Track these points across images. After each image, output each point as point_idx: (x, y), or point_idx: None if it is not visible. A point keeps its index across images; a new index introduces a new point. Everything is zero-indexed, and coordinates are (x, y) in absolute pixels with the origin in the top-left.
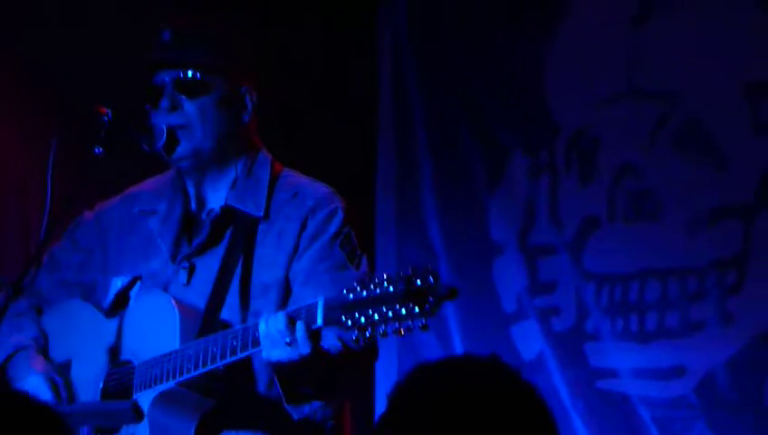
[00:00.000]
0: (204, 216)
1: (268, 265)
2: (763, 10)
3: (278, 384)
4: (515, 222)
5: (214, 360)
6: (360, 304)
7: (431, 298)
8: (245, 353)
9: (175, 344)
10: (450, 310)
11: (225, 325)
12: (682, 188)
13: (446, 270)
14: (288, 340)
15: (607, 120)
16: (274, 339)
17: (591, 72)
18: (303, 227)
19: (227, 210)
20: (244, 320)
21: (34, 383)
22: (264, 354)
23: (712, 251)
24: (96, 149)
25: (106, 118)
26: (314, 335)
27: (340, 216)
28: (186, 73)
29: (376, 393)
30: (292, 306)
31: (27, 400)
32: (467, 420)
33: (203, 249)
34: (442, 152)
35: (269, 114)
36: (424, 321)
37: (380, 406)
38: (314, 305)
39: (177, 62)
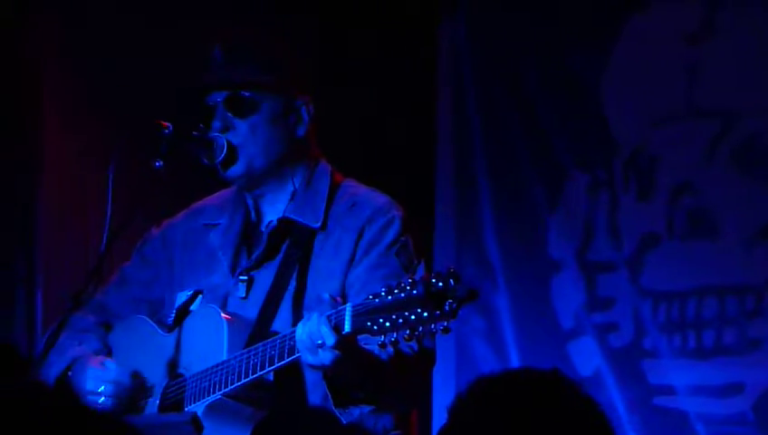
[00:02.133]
0: (263, 229)
1: (325, 276)
2: None
3: (326, 388)
4: (574, 239)
5: (255, 370)
6: (385, 309)
7: (450, 301)
8: (284, 362)
9: (222, 356)
10: (507, 325)
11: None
12: (739, 205)
13: (505, 287)
14: (320, 342)
15: (664, 138)
16: (308, 344)
17: (649, 91)
18: (360, 236)
19: (285, 222)
20: None
21: (93, 377)
22: (303, 359)
23: None
24: (157, 163)
25: (167, 131)
26: (344, 340)
27: (397, 224)
28: (236, 94)
29: (433, 407)
30: (325, 312)
31: (98, 413)
32: (527, 431)
33: (261, 262)
34: (501, 170)
35: (329, 126)
36: (445, 324)
37: (438, 419)
38: (343, 311)
39: (226, 83)
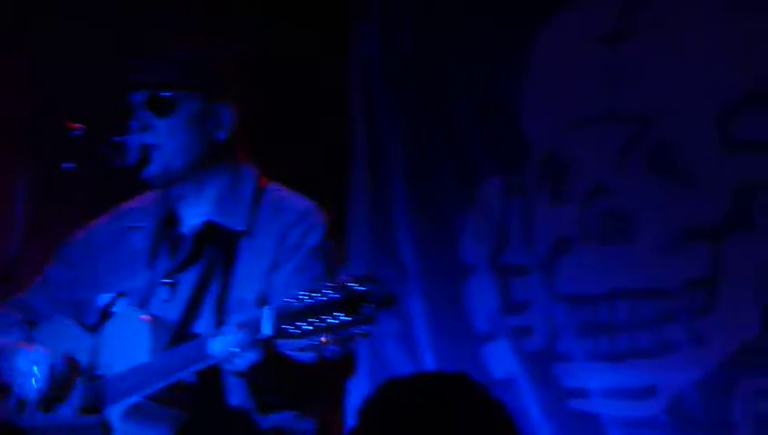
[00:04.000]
0: (185, 232)
1: (247, 279)
2: (735, 31)
3: (249, 390)
4: (487, 242)
5: (173, 372)
6: (305, 313)
7: (367, 305)
8: (202, 365)
9: (144, 357)
10: (421, 329)
11: None
12: (653, 209)
13: (419, 289)
14: (238, 350)
15: (579, 141)
16: (225, 352)
17: (564, 93)
18: (283, 240)
19: (209, 226)
20: None
21: (25, 358)
22: (223, 365)
23: (683, 272)
24: (66, 165)
25: (78, 133)
26: (263, 345)
27: (320, 229)
28: (155, 94)
29: (347, 411)
30: (243, 317)
31: None
32: (434, 433)
33: (185, 265)
34: (415, 172)
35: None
36: (365, 328)
37: (350, 422)
38: (261, 315)
39: (146, 83)
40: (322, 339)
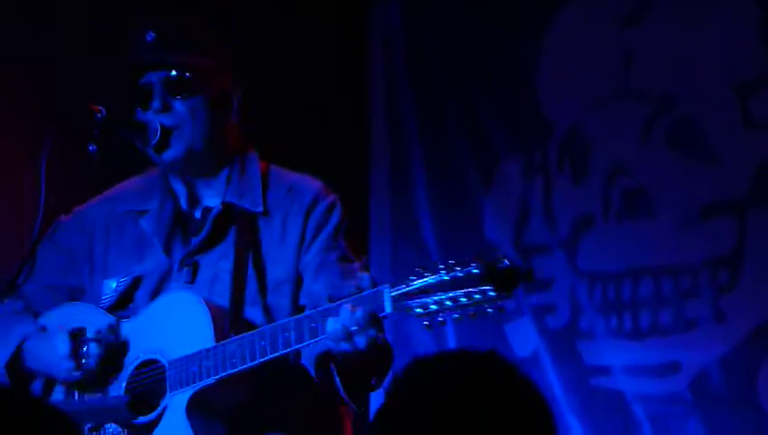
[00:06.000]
0: (198, 214)
1: (277, 260)
2: (754, 7)
3: (337, 378)
4: (510, 221)
5: (263, 353)
6: (431, 290)
7: (510, 281)
8: (303, 344)
9: (210, 342)
10: None
11: (248, 322)
12: (674, 185)
13: None
14: (354, 329)
15: (599, 119)
16: (341, 331)
17: (583, 73)
18: (306, 220)
19: (228, 207)
20: (265, 315)
21: (60, 343)
22: (333, 347)
23: (705, 248)
24: (90, 147)
25: (99, 115)
26: (380, 324)
27: (339, 207)
28: (179, 74)
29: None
30: (353, 296)
31: (30, 400)
32: (464, 412)
33: (205, 247)
34: (435, 154)
35: (262, 116)
36: (500, 303)
37: (374, 403)
38: (380, 293)
39: (165, 62)
40: (457, 316)
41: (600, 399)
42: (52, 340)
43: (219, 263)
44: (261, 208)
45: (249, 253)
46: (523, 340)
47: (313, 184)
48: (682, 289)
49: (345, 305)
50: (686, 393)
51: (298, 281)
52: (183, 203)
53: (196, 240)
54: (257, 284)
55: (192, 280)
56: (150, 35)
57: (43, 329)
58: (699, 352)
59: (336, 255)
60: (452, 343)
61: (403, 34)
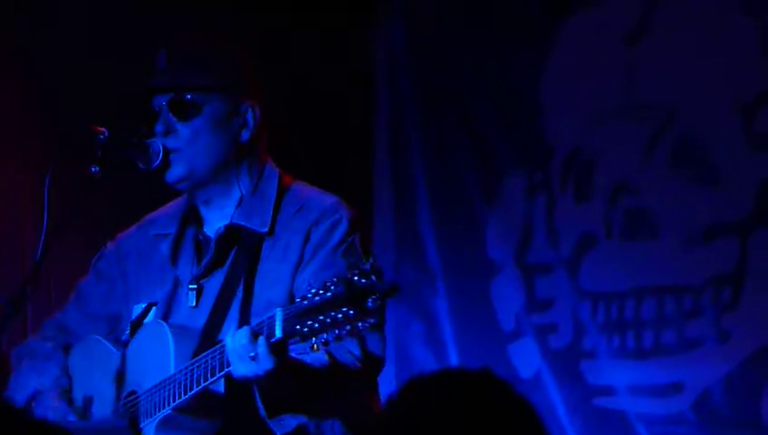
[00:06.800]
0: (211, 236)
1: (272, 280)
2: (755, 27)
3: (258, 400)
4: (512, 240)
5: (198, 382)
6: (313, 311)
7: (374, 297)
8: (223, 373)
9: (170, 370)
10: (447, 328)
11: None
12: (678, 205)
13: (444, 290)
14: (252, 354)
15: (602, 138)
16: (240, 355)
17: (587, 91)
18: (307, 239)
19: (232, 228)
20: None
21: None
22: (232, 371)
23: (708, 268)
24: (92, 169)
25: (102, 137)
26: (276, 348)
27: (344, 225)
28: (178, 96)
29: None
30: (255, 320)
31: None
32: (463, 430)
33: (210, 270)
34: (439, 172)
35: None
36: (371, 321)
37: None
38: (273, 317)
39: (169, 85)
40: (333, 336)
41: (603, 419)
42: (58, 410)
43: (220, 286)
44: (266, 229)
45: (241, 274)
46: (527, 360)
47: (324, 201)
48: (685, 309)
49: (245, 328)
50: (689, 413)
51: (291, 302)
52: (203, 225)
53: (202, 263)
54: (243, 306)
55: (196, 304)
56: (162, 59)
57: (57, 380)
58: (702, 371)
59: (330, 273)
60: (455, 363)
61: (407, 52)
